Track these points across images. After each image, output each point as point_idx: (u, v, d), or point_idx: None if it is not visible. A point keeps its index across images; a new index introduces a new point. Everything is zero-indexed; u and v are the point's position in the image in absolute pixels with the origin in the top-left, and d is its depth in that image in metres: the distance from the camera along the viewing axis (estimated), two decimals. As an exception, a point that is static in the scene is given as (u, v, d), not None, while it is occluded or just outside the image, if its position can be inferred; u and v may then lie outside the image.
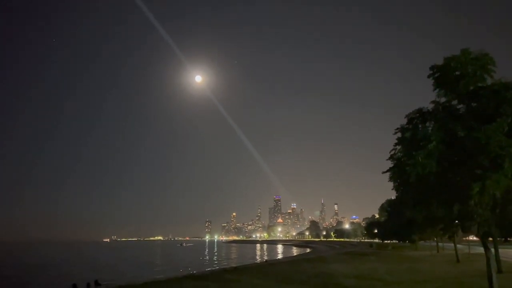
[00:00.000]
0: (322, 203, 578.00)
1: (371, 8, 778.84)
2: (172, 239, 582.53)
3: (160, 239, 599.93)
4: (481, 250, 14.47)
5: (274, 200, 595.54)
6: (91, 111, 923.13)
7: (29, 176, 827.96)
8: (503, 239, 32.57)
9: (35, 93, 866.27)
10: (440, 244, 59.04)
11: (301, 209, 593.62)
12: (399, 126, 17.34)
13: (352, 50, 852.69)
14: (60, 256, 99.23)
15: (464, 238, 66.16)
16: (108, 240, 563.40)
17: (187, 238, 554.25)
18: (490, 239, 23.55)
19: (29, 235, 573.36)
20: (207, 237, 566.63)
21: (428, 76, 15.58)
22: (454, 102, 14.43)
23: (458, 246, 39.61)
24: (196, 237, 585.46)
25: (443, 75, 14.56)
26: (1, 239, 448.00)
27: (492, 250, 17.47)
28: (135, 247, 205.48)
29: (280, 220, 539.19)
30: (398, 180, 17.66)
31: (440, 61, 14.68)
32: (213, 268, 45.18)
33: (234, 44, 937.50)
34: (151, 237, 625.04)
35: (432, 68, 15.25)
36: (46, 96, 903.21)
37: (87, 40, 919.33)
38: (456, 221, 15.61)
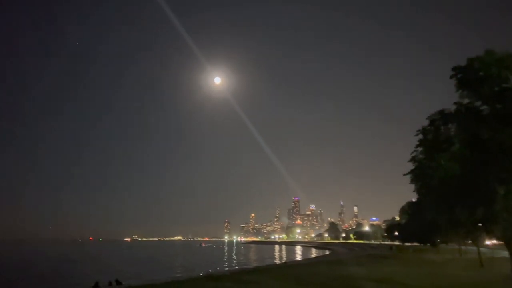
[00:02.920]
0: (341, 205, 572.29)
1: (386, 15, 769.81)
2: (192, 239, 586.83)
3: (180, 239, 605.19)
4: (505, 254, 14.13)
5: (293, 202, 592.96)
6: (102, 105, 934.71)
7: (38, 173, 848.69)
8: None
9: (39, 89, 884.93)
10: (462, 247, 57.73)
11: (320, 211, 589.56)
12: (420, 128, 17.08)
13: (373, 56, 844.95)
14: (82, 255, 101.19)
15: (487, 242, 64.60)
16: (129, 239, 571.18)
17: (206, 239, 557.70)
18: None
19: (50, 234, 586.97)
20: (226, 238, 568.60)
21: (451, 77, 15.29)
22: (478, 103, 14.13)
23: (482, 250, 38.67)
24: (215, 238, 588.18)
25: (466, 76, 14.31)
26: (18, 237, 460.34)
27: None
28: (155, 246, 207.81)
29: (298, 221, 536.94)
30: (420, 183, 17.41)
31: (460, 63, 14.46)
32: (232, 269, 45.35)
33: (255, 46, 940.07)
34: (171, 237, 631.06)
35: (455, 68, 14.97)
36: (54, 86, 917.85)
37: (104, 38, 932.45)
38: (480, 225, 15.31)
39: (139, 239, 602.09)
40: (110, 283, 29.34)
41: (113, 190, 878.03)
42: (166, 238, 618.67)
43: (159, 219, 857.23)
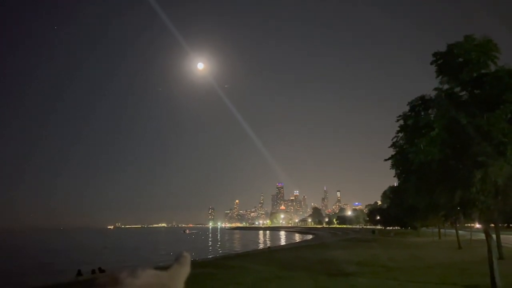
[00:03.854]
0: (324, 190, 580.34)
1: (372, 1, 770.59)
2: (176, 226, 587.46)
3: (164, 226, 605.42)
4: (482, 236, 14.56)
5: (277, 188, 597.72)
6: (92, 95, 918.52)
7: (29, 163, 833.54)
8: (505, 225, 32.77)
9: (38, 75, 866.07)
10: (442, 230, 59.31)
11: (304, 196, 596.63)
12: (401, 114, 17.29)
13: (354, 38, 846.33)
14: (64, 243, 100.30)
15: (466, 225, 66.39)
16: (112, 227, 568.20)
17: (191, 225, 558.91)
18: (492, 225, 23.64)
19: (31, 222, 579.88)
20: (210, 224, 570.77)
21: (431, 63, 15.47)
22: (457, 89, 14.35)
23: (460, 232, 39.80)
24: (200, 224, 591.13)
25: (446, 62, 14.49)
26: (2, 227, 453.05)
27: (494, 236, 17.54)
28: (139, 234, 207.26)
29: (282, 207, 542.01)
30: (400, 168, 17.68)
31: (443, 49, 14.58)
32: (217, 255, 45.63)
33: (237, 32, 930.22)
34: (155, 224, 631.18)
35: (435, 54, 15.14)
36: (47, 80, 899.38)
37: (89, 25, 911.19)
38: (458, 208, 15.64)
39: (122, 226, 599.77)
40: (93, 271, 29.22)
41: (97, 179, 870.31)
42: (150, 225, 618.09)
43: (143, 206, 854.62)
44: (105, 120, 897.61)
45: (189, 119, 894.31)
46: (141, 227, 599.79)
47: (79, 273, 28.11)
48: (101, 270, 29.24)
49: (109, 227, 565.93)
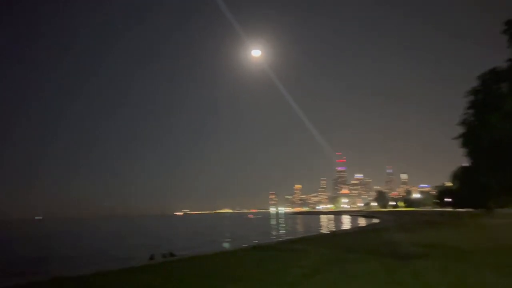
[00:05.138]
0: (389, 173, 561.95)
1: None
2: (240, 212, 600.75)
3: (228, 212, 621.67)
4: None
5: (338, 172, 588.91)
6: (156, 79, 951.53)
7: (103, 152, 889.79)
8: None
9: (70, 59, 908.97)
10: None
11: (367, 180, 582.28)
12: (470, 89, 16.25)
13: (418, 14, 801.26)
14: (136, 229, 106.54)
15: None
16: (180, 213, 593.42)
17: (254, 210, 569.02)
18: None
19: (105, 210, 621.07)
20: (272, 209, 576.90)
21: (503, 32, 14.32)
22: (533, 58, 13.21)
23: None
24: (262, 209, 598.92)
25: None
26: (74, 214, 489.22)
27: None
28: (205, 219, 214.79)
29: (345, 191, 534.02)
30: (471, 146, 16.72)
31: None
32: (280, 239, 46.17)
33: (294, 19, 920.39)
34: (219, 210, 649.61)
35: (508, 23, 13.98)
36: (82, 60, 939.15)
37: (140, 10, 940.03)
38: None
39: (190, 213, 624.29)
40: (164, 255, 30.88)
41: (159, 167, 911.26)
42: (215, 211, 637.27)
43: (208, 193, 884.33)
44: (162, 106, 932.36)
45: (246, 106, 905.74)
46: (207, 213, 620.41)
47: (152, 257, 29.86)
48: (171, 255, 30.85)
49: (178, 213, 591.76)
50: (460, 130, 17.83)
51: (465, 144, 17.76)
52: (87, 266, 27.63)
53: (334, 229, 63.35)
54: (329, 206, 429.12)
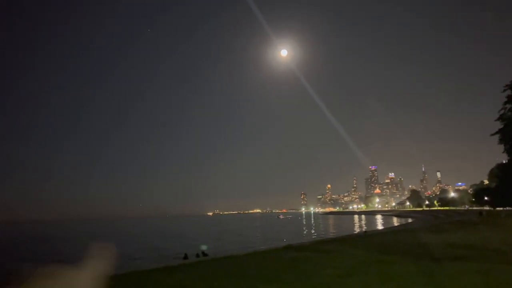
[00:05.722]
0: (423, 171, 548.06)
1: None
2: (270, 212, 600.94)
3: (258, 212, 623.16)
4: None
5: (370, 171, 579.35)
6: (175, 77, 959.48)
7: (134, 156, 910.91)
8: None
9: (86, 59, 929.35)
10: None
11: (400, 178, 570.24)
12: (509, 82, 15.56)
13: (450, 14, 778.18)
14: (169, 229, 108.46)
15: None
16: (211, 214, 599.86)
17: (284, 210, 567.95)
18: None
19: (139, 212, 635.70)
20: (303, 209, 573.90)
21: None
22: None
23: None
24: (293, 209, 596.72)
25: None
26: (106, 214, 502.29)
27: None
28: (236, 220, 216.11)
29: (377, 190, 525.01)
30: (510, 142, 16.00)
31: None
32: (312, 239, 45.85)
33: (321, 20, 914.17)
34: (250, 210, 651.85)
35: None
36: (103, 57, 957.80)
37: (168, 9, 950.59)
38: None
39: (221, 213, 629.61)
40: (197, 255, 31.31)
41: (191, 168, 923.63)
42: (246, 212, 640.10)
43: (238, 194, 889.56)
44: (190, 107, 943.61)
45: (272, 106, 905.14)
46: (237, 213, 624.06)
47: (186, 256, 30.32)
48: (204, 254, 31.25)
49: (209, 214, 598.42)
50: (499, 125, 17.11)
51: (503, 140, 17.00)
52: (124, 265, 28.28)
53: (366, 229, 62.29)
54: (361, 206, 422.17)
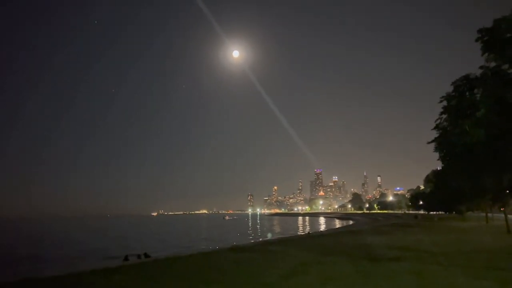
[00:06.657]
0: (364, 175, 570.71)
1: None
2: (216, 212, 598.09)
3: (204, 213, 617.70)
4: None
5: (315, 174, 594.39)
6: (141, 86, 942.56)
7: (82, 155, 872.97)
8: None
9: (60, 60, 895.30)
10: (489, 215, 57.02)
11: (343, 182, 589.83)
12: (444, 94, 16.60)
13: (391, 27, 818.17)
14: (110, 230, 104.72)
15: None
16: (155, 214, 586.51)
17: (230, 211, 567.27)
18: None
19: (79, 210, 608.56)
20: (249, 210, 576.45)
21: (476, 40, 14.64)
22: (505, 66, 13.56)
23: (510, 216, 38.03)
24: (239, 211, 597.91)
25: (493, 38, 13.70)
26: (56, 214, 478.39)
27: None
28: (181, 220, 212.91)
29: (321, 193, 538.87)
30: (444, 150, 17.05)
31: (488, 24, 13.80)
32: (257, 240, 46.19)
33: (273, 21, 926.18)
34: (196, 210, 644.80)
35: (480, 31, 14.31)
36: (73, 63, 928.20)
37: (121, 11, 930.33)
38: (507, 191, 15.02)
39: (165, 213, 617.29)
40: (139, 256, 30.44)
41: (137, 167, 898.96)
42: (192, 212, 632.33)
43: (184, 194, 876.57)
44: (141, 106, 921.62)
45: (225, 107, 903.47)
46: (183, 213, 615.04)
47: (126, 258, 29.37)
48: (146, 255, 30.44)
49: (153, 214, 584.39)
50: (435, 134, 18.34)
51: (438, 149, 18.21)
52: (60, 266, 26.96)
53: (309, 231, 63.80)
54: (306, 208, 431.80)
